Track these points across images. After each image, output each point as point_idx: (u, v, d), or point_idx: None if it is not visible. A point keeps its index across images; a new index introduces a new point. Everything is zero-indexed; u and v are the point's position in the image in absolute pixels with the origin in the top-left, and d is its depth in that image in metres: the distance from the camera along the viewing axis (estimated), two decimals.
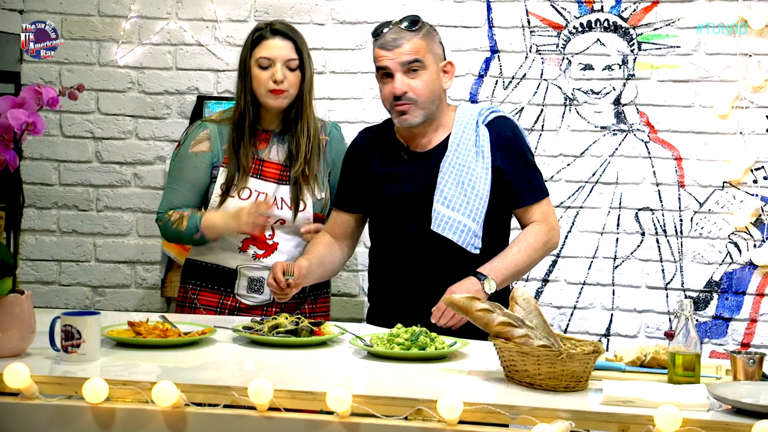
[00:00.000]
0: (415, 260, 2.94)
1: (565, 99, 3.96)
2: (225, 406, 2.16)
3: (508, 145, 2.97)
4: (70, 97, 2.51)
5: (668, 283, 3.89)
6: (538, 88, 3.97)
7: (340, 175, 3.17)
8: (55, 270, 4.17)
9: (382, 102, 3.02)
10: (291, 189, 3.13)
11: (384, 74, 2.94)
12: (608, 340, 3.91)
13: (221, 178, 3.11)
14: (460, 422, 2.07)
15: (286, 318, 2.71)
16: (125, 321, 2.68)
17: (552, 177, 3.96)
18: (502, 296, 2.92)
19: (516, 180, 2.96)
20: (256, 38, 3.10)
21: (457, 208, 2.89)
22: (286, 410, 2.13)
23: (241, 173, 3.09)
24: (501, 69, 3.98)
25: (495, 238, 2.96)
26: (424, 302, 2.81)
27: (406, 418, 2.09)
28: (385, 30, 2.93)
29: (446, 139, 2.98)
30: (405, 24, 2.92)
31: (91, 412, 2.15)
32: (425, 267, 2.92)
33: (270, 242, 3.12)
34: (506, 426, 2.10)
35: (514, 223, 3.09)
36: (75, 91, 2.50)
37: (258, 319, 2.79)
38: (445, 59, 3.00)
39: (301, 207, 3.14)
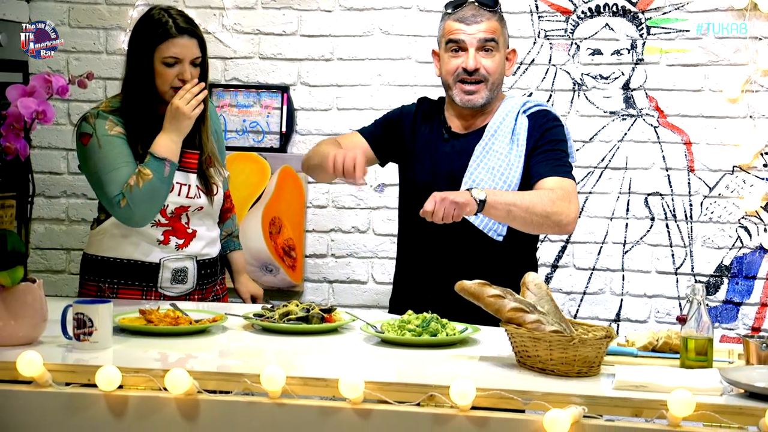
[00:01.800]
0: (441, 245, 2.93)
1: (574, 84, 3.94)
2: (237, 393, 2.16)
3: (543, 133, 2.95)
4: (80, 86, 2.50)
5: (678, 268, 3.88)
6: (546, 73, 3.96)
7: (383, 120, 3.15)
8: (64, 259, 4.17)
9: (443, 76, 3.01)
10: (201, 177, 3.10)
11: (454, 48, 2.94)
12: (618, 325, 3.90)
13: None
14: (473, 408, 2.07)
15: (297, 305, 2.71)
16: (136, 309, 2.68)
17: None
18: (514, 282, 2.91)
19: (539, 155, 2.91)
20: (161, 34, 2.98)
21: None
22: (299, 397, 2.14)
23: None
24: None
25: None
26: (448, 289, 2.79)
27: (418, 405, 2.10)
28: (463, 5, 2.94)
29: (487, 125, 2.99)
30: (484, 2, 2.94)
31: (104, 400, 2.15)
32: (450, 252, 2.91)
33: (189, 231, 3.10)
34: (522, 411, 2.10)
35: None
36: (84, 79, 2.50)
37: (269, 306, 2.79)
38: (508, 46, 3.02)
39: (215, 191, 3.13)
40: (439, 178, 2.94)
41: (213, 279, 3.18)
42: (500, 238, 2.88)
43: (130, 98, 3.04)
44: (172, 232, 3.06)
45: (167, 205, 3.03)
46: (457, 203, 2.64)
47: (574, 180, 2.93)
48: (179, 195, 3.04)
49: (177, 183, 3.04)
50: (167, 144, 2.96)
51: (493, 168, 2.90)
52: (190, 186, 3.07)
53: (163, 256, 3.06)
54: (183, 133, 2.98)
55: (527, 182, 2.91)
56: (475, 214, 2.73)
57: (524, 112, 2.99)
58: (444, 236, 2.92)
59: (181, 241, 3.08)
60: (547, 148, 2.93)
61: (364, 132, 3.14)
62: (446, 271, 2.89)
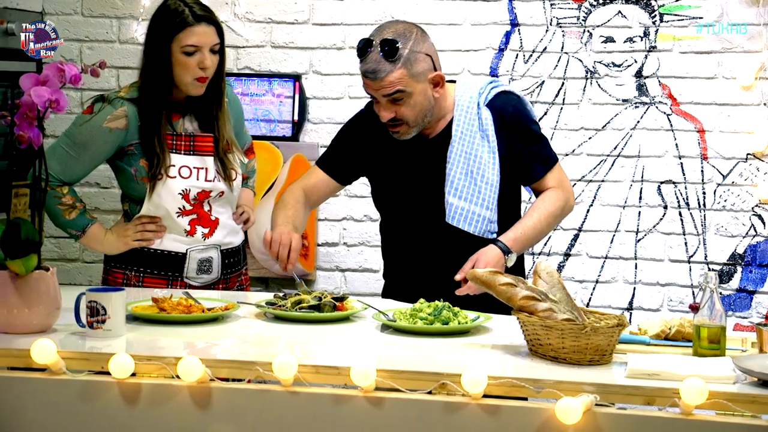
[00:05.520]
0: (430, 245, 2.94)
1: (587, 72, 3.93)
2: (249, 381, 2.17)
3: (512, 125, 2.93)
4: (93, 75, 2.50)
5: (691, 256, 3.87)
6: (558, 61, 3.94)
7: (339, 139, 3.10)
8: (78, 247, 4.19)
9: None
10: (219, 162, 3.10)
11: (371, 96, 2.89)
12: (631, 313, 3.90)
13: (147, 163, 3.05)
14: (485, 396, 2.07)
15: (309, 293, 2.72)
16: (149, 297, 2.69)
17: (573, 150, 3.95)
18: (518, 268, 2.92)
19: (525, 156, 2.93)
20: (179, 23, 2.98)
21: (469, 198, 2.88)
22: (311, 385, 2.14)
23: (167, 153, 3.04)
24: (521, 42, 3.96)
25: (507, 215, 2.94)
26: (440, 283, 2.80)
27: (430, 393, 2.10)
28: (365, 55, 2.82)
29: (450, 124, 2.94)
30: (383, 52, 2.79)
31: (117, 388, 2.16)
32: (441, 250, 2.92)
33: (212, 218, 3.11)
34: (525, 399, 2.10)
35: (524, 195, 3.07)
36: (97, 68, 2.50)
37: (281, 294, 2.80)
38: (435, 69, 2.87)
39: (234, 176, 3.13)
40: (418, 185, 2.95)
41: (237, 268, 3.20)
42: (494, 236, 2.89)
43: (147, 88, 3.05)
44: (198, 221, 3.08)
45: (189, 190, 3.05)
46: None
47: (557, 159, 2.99)
48: (198, 179, 3.06)
49: (194, 168, 3.07)
50: (97, 242, 3.10)
51: (472, 171, 2.89)
52: (207, 169, 3.08)
53: (189, 246, 3.09)
54: (110, 251, 3.11)
55: (506, 174, 2.91)
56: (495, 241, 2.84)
57: (483, 102, 2.94)
58: (433, 235, 2.93)
59: (206, 230, 3.10)
60: (528, 144, 2.93)
61: (323, 163, 3.09)
62: (437, 265, 2.90)
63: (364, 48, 2.83)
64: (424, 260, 2.96)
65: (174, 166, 3.04)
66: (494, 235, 2.88)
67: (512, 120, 2.93)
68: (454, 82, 3.02)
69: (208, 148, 3.09)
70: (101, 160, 3.12)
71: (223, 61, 3.08)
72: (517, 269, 2.92)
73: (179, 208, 3.05)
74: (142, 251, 3.09)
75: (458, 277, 2.73)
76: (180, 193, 3.04)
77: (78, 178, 3.11)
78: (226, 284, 3.17)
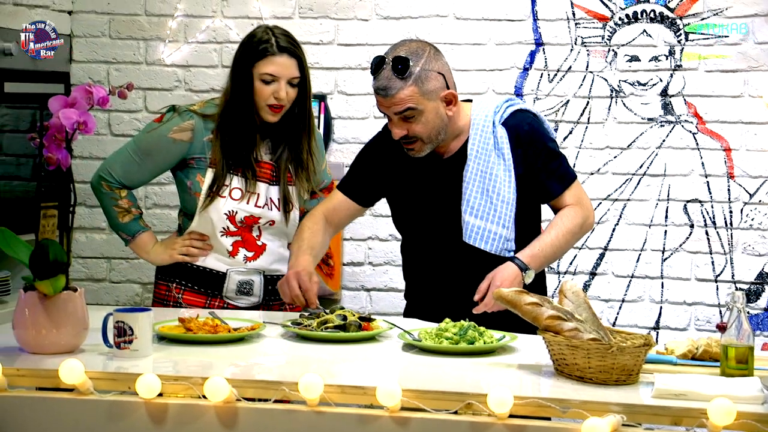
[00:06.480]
0: (449, 265, 2.94)
1: (612, 91, 3.93)
2: (276, 401, 2.17)
3: (528, 142, 2.92)
4: (120, 96, 2.53)
5: (718, 275, 3.85)
6: (583, 80, 3.94)
7: (357, 162, 3.12)
8: (105, 267, 4.22)
9: None
10: (281, 191, 3.12)
11: (385, 114, 2.90)
12: (657, 333, 3.88)
13: (208, 178, 3.08)
14: (510, 416, 2.06)
15: (339, 310, 2.73)
16: (176, 317, 2.70)
17: (599, 169, 3.94)
18: (538, 286, 2.91)
19: (542, 174, 2.93)
20: (261, 51, 3.03)
21: (486, 216, 2.88)
22: (336, 405, 2.14)
23: (227, 174, 3.07)
24: (546, 62, 3.96)
25: (526, 233, 2.94)
26: (460, 302, 2.80)
27: (456, 413, 2.09)
28: (378, 72, 2.84)
29: (466, 143, 2.94)
30: (394, 69, 2.81)
31: (145, 408, 2.17)
32: (459, 270, 2.92)
33: (259, 243, 3.12)
34: (548, 419, 2.10)
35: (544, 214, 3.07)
36: (125, 90, 2.53)
37: (306, 314, 2.81)
38: (448, 87, 2.87)
39: (290, 208, 3.14)
40: (435, 205, 2.96)
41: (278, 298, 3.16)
42: (511, 253, 2.89)
43: (229, 108, 3.09)
44: (242, 243, 3.10)
45: (236, 212, 3.07)
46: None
47: (575, 176, 2.98)
48: (247, 203, 3.08)
49: (246, 191, 3.08)
50: (144, 250, 3.16)
51: (488, 190, 2.90)
52: (259, 195, 3.10)
53: (230, 267, 3.11)
54: (155, 261, 3.17)
55: (523, 192, 2.91)
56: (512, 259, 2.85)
57: (499, 121, 2.94)
58: (452, 255, 2.94)
59: (250, 254, 3.11)
60: (545, 161, 2.93)
61: (343, 186, 3.10)
62: (457, 285, 2.90)
63: (377, 66, 2.85)
64: (444, 280, 2.96)
65: (227, 186, 3.07)
66: (511, 254, 2.88)
67: (528, 138, 2.93)
68: (470, 101, 3.02)
69: (266, 175, 3.11)
70: (163, 170, 3.18)
71: (305, 94, 3.10)
72: (539, 287, 2.91)
73: (223, 228, 3.08)
74: (186, 266, 3.12)
75: (477, 297, 2.75)
76: (226, 214, 3.07)
77: (138, 183, 3.18)
78: (268, 309, 3.16)
